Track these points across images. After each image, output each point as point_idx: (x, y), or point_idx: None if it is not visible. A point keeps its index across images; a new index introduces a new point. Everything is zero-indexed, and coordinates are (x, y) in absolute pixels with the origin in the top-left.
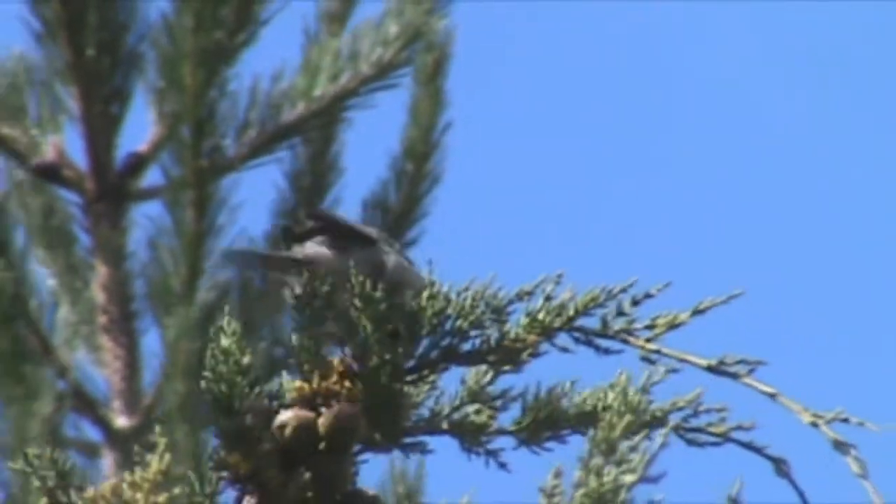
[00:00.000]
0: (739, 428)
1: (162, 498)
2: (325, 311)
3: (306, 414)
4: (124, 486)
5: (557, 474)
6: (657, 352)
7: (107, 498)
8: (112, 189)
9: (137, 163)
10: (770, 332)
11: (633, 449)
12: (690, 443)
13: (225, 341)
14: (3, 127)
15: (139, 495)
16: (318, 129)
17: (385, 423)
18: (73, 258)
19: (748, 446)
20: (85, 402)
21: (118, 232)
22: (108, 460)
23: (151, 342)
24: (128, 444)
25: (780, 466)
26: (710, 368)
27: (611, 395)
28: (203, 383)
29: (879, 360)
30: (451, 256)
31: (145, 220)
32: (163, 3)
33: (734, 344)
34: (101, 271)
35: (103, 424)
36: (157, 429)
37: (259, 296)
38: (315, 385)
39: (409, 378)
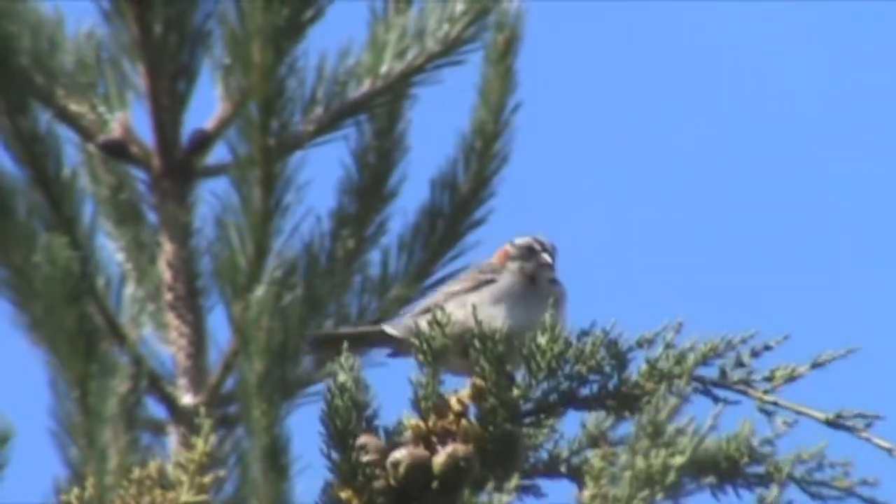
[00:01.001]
0: (864, 483)
1: (207, 479)
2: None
3: (421, 452)
4: (170, 467)
5: (604, 457)
6: (775, 403)
7: (153, 478)
8: (178, 166)
9: (204, 140)
10: (888, 386)
11: (680, 431)
12: (814, 496)
13: (342, 376)
14: (72, 103)
15: (184, 477)
16: (385, 105)
17: (500, 465)
18: (141, 235)
19: (872, 502)
20: (151, 380)
21: (184, 209)
22: (173, 438)
23: (217, 320)
24: (194, 421)
25: None
26: (827, 422)
27: (732, 445)
28: (318, 417)
29: None
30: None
31: (212, 197)
32: None
33: (852, 398)
34: (167, 248)
35: (169, 402)
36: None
37: (325, 275)
38: (431, 424)
39: (526, 420)
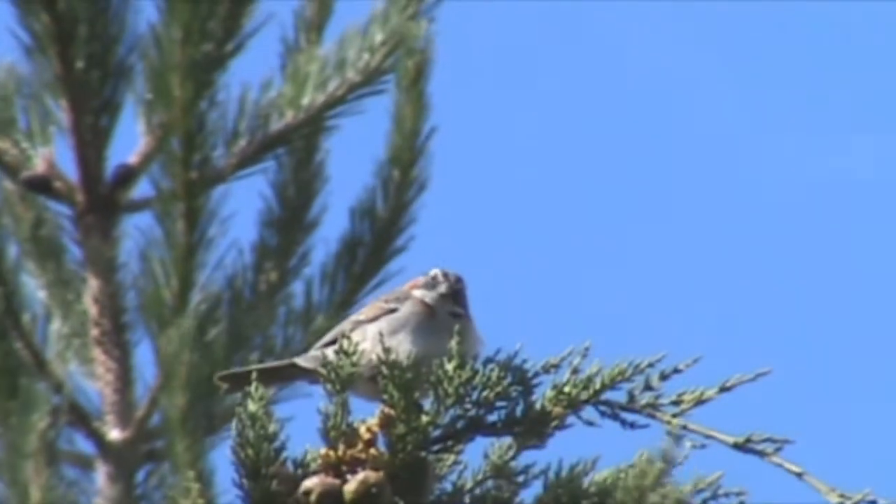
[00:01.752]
0: None
1: None
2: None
3: (332, 481)
4: None
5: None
6: (684, 427)
7: None
8: (102, 201)
9: (127, 174)
10: (797, 410)
11: (664, 497)
12: None
13: (252, 406)
14: None
15: None
16: (307, 137)
17: (410, 493)
18: (65, 270)
19: None
20: (78, 415)
21: (109, 243)
22: (101, 473)
23: (143, 355)
24: (121, 456)
25: None
26: (736, 446)
27: (631, 475)
28: (230, 447)
29: None
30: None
31: (136, 231)
32: (152, 16)
33: (761, 422)
34: (92, 283)
35: (97, 437)
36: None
37: (249, 308)
38: (341, 453)
39: (435, 447)
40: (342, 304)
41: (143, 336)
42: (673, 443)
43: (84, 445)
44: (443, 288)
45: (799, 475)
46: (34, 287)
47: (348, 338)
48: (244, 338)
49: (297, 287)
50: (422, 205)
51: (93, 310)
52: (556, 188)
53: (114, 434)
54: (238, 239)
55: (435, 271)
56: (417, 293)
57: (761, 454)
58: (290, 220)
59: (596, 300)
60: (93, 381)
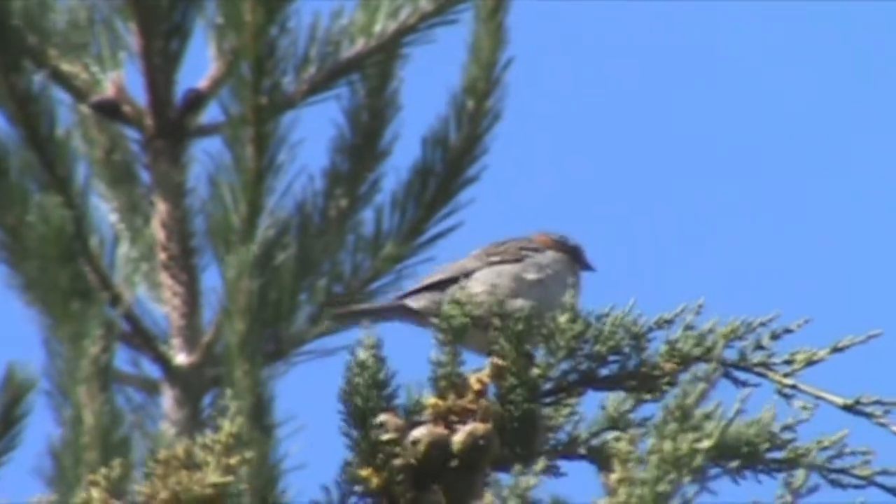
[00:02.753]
0: (884, 473)
1: (234, 460)
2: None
3: (440, 431)
4: (196, 448)
5: (631, 441)
6: (794, 387)
7: (180, 459)
8: (171, 126)
9: (197, 99)
10: None
11: (707, 416)
12: (834, 483)
13: (362, 354)
14: (64, 63)
15: (211, 458)
16: (378, 65)
17: (520, 444)
18: (134, 195)
19: (893, 492)
20: (144, 339)
21: (177, 168)
22: (167, 397)
23: (211, 279)
24: (188, 380)
25: None
26: (846, 407)
27: (752, 431)
28: (339, 393)
29: None
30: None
31: (205, 156)
32: None
33: (871, 384)
34: (160, 208)
35: (163, 361)
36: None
37: (318, 234)
38: (450, 402)
39: (545, 400)
40: (412, 233)
41: (211, 261)
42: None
43: (151, 370)
44: (570, 246)
45: None
46: (103, 211)
47: (463, 286)
48: (313, 264)
49: (367, 215)
50: (495, 136)
51: (161, 234)
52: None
53: (180, 358)
54: (308, 165)
55: (565, 236)
56: (554, 252)
57: (870, 416)
58: (361, 147)
59: (710, 259)
60: (160, 305)
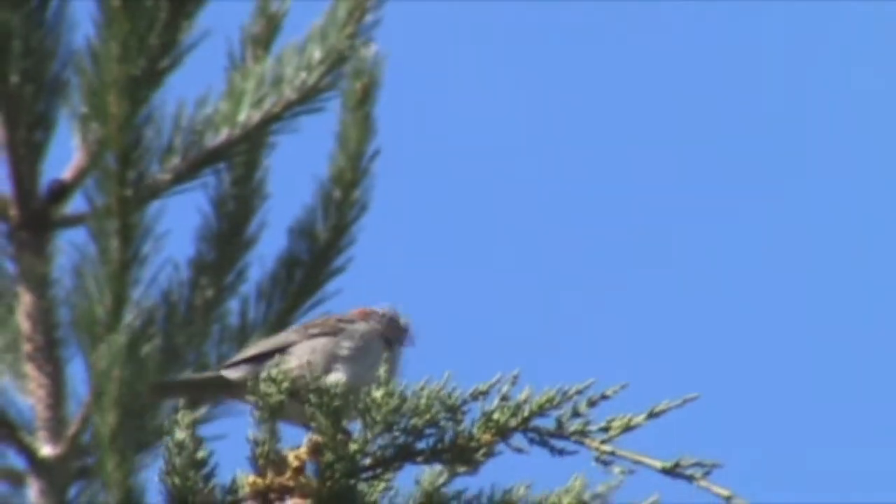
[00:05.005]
0: None
1: None
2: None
3: None
4: None
5: None
6: (612, 453)
7: None
8: (36, 216)
9: (61, 190)
10: (725, 435)
11: None
12: None
13: (180, 434)
14: None
15: None
16: (243, 154)
17: None
18: None
19: None
20: (10, 431)
21: (42, 259)
22: (33, 489)
23: (76, 370)
24: (53, 472)
25: None
26: (665, 470)
27: (565, 500)
28: (158, 474)
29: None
30: (378, 285)
31: (70, 247)
32: (88, 30)
33: (689, 447)
34: (25, 299)
35: (28, 453)
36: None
37: (184, 324)
38: (269, 480)
39: (363, 475)
40: (277, 323)
41: (76, 352)
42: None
43: (16, 461)
44: (407, 335)
45: (728, 499)
46: None
47: (276, 364)
48: (178, 354)
49: (233, 305)
50: (362, 226)
51: (26, 325)
52: (488, 205)
53: (46, 450)
54: (174, 255)
55: (392, 310)
56: (372, 324)
57: (690, 478)
58: (227, 236)
59: (525, 327)
60: (25, 396)
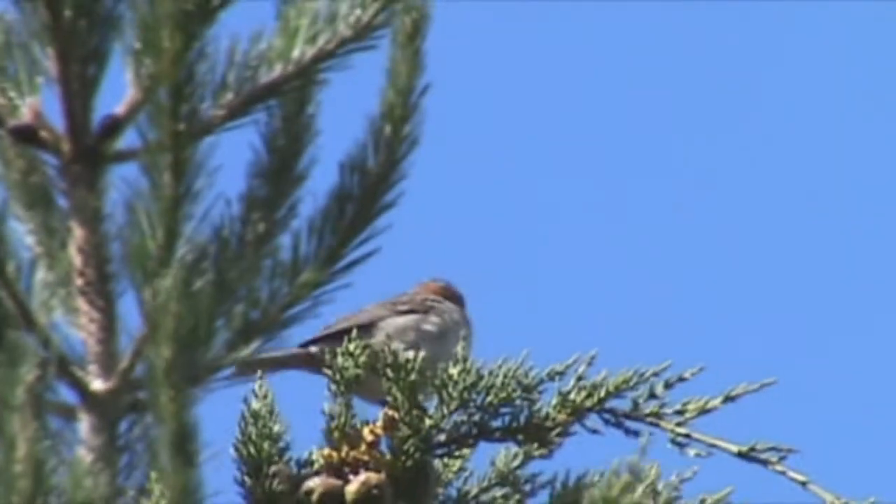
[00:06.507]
0: None
1: None
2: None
3: (333, 481)
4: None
5: None
6: (687, 436)
7: None
8: (89, 151)
9: (114, 125)
10: (802, 420)
11: None
12: None
13: (256, 404)
14: None
15: None
16: (296, 90)
17: (412, 496)
18: (51, 219)
19: None
20: (62, 365)
21: (95, 194)
22: (84, 423)
23: (127, 305)
24: (104, 406)
25: None
26: (740, 454)
27: (639, 488)
28: (232, 444)
29: None
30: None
31: (123, 182)
32: None
33: (765, 432)
34: (77, 233)
35: (80, 387)
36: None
37: (236, 258)
38: (343, 454)
39: (437, 451)
40: (329, 259)
41: (128, 287)
42: (641, 455)
43: (68, 395)
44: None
45: (803, 484)
46: (20, 234)
47: (354, 338)
48: (230, 289)
49: (285, 240)
50: (413, 161)
51: (77, 260)
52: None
53: (97, 384)
54: (226, 191)
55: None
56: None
57: (765, 463)
58: (279, 172)
59: (603, 307)
60: (77, 330)
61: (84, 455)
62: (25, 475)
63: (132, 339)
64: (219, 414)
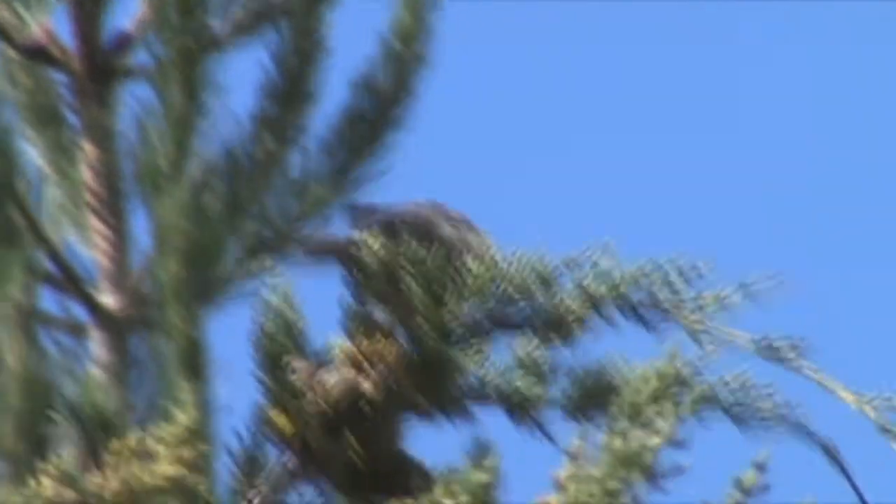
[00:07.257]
0: (788, 407)
1: (189, 452)
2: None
3: (351, 375)
4: (149, 439)
5: (583, 436)
6: (703, 326)
7: (132, 450)
8: (100, 68)
9: (125, 41)
10: (818, 315)
11: (659, 413)
12: (738, 420)
13: (273, 297)
14: None
15: (164, 449)
16: (305, 7)
17: (431, 387)
18: (61, 138)
19: (796, 428)
20: (72, 282)
21: (106, 111)
22: (95, 340)
23: (138, 223)
24: (115, 323)
25: (827, 449)
26: (756, 347)
27: (657, 365)
28: (250, 338)
29: None
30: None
31: (133, 99)
32: None
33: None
34: (88, 151)
35: (91, 304)
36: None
37: (248, 175)
38: (360, 345)
39: (455, 341)
40: (339, 175)
41: (139, 204)
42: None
43: (79, 313)
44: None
45: (815, 375)
46: (30, 154)
47: (374, 235)
48: (241, 207)
49: (295, 158)
50: (424, 80)
51: (88, 177)
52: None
53: (108, 301)
54: (236, 109)
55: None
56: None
57: (783, 360)
58: (289, 90)
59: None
60: (88, 248)
61: (96, 372)
62: (15, 391)
63: (143, 257)
64: (232, 331)
